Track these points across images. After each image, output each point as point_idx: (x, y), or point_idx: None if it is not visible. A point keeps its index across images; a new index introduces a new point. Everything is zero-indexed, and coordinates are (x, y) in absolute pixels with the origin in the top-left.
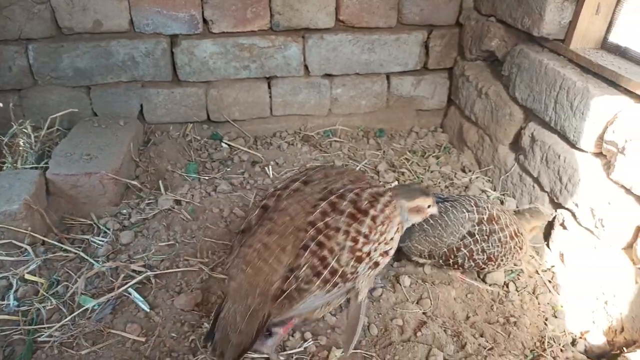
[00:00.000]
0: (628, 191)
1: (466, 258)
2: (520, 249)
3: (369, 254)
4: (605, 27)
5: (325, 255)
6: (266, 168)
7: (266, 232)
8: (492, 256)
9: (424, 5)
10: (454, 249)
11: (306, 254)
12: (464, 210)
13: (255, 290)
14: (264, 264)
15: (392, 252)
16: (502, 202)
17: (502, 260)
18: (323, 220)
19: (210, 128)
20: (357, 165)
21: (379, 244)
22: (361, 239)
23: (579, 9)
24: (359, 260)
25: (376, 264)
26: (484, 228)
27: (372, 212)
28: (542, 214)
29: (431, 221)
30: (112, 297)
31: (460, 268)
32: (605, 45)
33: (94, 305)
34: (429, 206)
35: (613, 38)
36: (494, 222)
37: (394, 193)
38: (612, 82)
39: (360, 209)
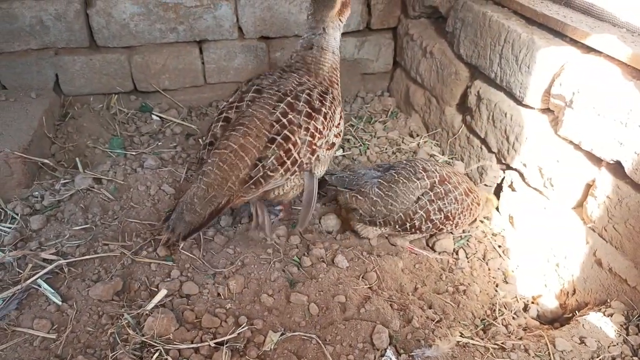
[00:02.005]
0: (577, 147)
1: (423, 220)
2: (478, 204)
3: (321, 146)
4: None
5: (289, 147)
6: (201, 140)
7: (242, 134)
8: (449, 214)
9: None
10: (410, 212)
11: (273, 146)
12: (414, 179)
13: (226, 183)
14: (239, 160)
15: (342, 128)
16: (449, 165)
17: (459, 218)
18: (286, 118)
19: (138, 99)
20: None
21: (329, 132)
22: (317, 135)
23: None
24: (313, 152)
25: (332, 145)
26: (438, 190)
27: (323, 109)
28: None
29: (380, 192)
30: (18, 290)
31: (417, 231)
32: None
33: None
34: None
35: None
36: (446, 182)
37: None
38: (559, 33)
39: (314, 108)
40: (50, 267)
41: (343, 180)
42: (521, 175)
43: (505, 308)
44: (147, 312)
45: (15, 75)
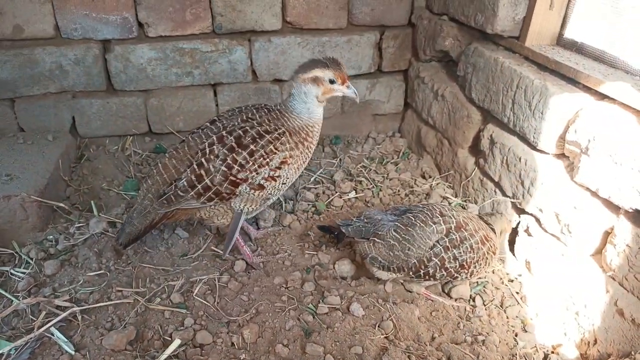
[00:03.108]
0: (594, 194)
1: (437, 267)
2: (493, 253)
3: (245, 180)
4: (560, 23)
5: (201, 173)
6: None
7: (169, 157)
8: (464, 263)
9: (374, 4)
10: (425, 259)
11: (188, 170)
12: (431, 223)
13: (148, 195)
14: (159, 177)
15: (285, 179)
16: (464, 209)
17: (475, 267)
18: (209, 148)
19: (152, 140)
20: (313, 176)
21: (257, 172)
22: (235, 167)
23: (532, 4)
24: (234, 185)
25: (261, 186)
26: (454, 237)
27: (252, 147)
28: (505, 218)
29: (397, 236)
30: (31, 339)
31: (431, 279)
32: (561, 42)
33: (10, 350)
34: (331, 81)
35: (568, 34)
36: (462, 229)
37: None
38: (571, 79)
39: (241, 144)
40: (63, 315)
41: (360, 230)
42: (537, 220)
43: (526, 359)
44: None
45: (34, 118)
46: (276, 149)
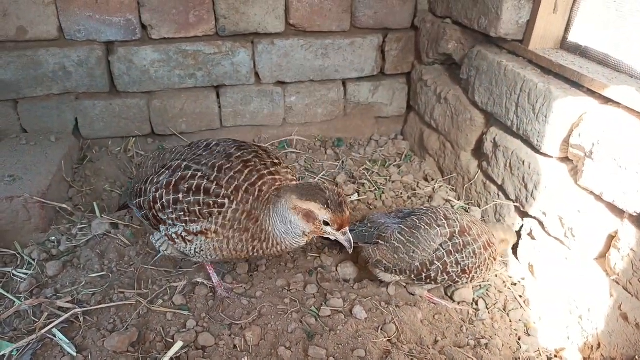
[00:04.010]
0: (598, 198)
1: (439, 271)
2: (495, 259)
3: (163, 222)
4: (563, 26)
5: (142, 188)
6: None
7: (152, 157)
8: (466, 268)
9: (377, 8)
10: (427, 262)
11: (144, 180)
12: (435, 226)
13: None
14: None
15: (198, 249)
16: (466, 212)
17: (476, 272)
18: (162, 169)
19: (155, 142)
20: (315, 177)
21: (172, 222)
22: (159, 204)
23: (536, 8)
24: (156, 219)
25: (172, 238)
26: (457, 241)
27: (181, 195)
28: (510, 229)
29: (402, 238)
30: (32, 340)
31: (432, 282)
32: (565, 45)
33: (12, 351)
34: (326, 223)
35: (572, 37)
36: (466, 233)
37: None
38: (575, 83)
39: (176, 185)
40: (65, 316)
41: (363, 235)
42: (541, 224)
43: None
44: None
45: (36, 119)
46: (201, 215)
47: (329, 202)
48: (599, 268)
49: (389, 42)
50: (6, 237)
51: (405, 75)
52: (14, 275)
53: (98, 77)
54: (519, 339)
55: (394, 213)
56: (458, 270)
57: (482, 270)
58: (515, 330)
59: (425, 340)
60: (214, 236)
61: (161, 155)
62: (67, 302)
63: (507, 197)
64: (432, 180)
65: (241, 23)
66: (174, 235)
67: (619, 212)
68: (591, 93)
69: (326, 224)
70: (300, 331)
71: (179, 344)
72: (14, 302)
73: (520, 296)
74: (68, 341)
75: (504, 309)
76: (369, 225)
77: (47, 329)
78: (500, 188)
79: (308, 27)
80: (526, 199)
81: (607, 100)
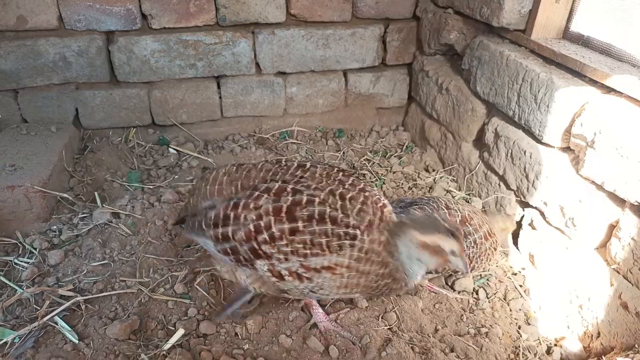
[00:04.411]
0: (599, 187)
1: None
2: (495, 250)
3: (268, 256)
4: (566, 16)
5: (229, 215)
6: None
7: (216, 174)
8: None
9: None
10: None
11: (225, 203)
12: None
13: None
14: (202, 192)
15: (316, 288)
16: (467, 202)
17: (477, 262)
18: (258, 193)
19: (156, 132)
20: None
21: (286, 257)
22: (263, 236)
23: None
24: (255, 253)
25: (280, 275)
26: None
27: (300, 224)
28: (510, 218)
29: None
30: (34, 327)
31: (433, 271)
32: (567, 35)
33: (14, 339)
34: (453, 253)
35: (574, 27)
36: (467, 223)
37: (406, 219)
38: (577, 73)
39: (291, 213)
40: (67, 304)
41: None
42: (542, 213)
43: (529, 351)
44: (164, 352)
45: (37, 109)
46: (328, 247)
47: (451, 230)
48: (599, 257)
49: (390, 32)
50: (8, 226)
51: (407, 65)
52: (15, 263)
53: (98, 67)
54: (519, 328)
55: (395, 203)
56: None
57: (482, 260)
58: (515, 319)
59: (426, 328)
60: (344, 271)
61: (236, 173)
62: (69, 290)
63: (508, 188)
64: (433, 170)
65: (242, 13)
66: (284, 272)
67: (620, 201)
68: (593, 83)
69: (453, 253)
70: (301, 319)
71: (180, 332)
72: (16, 290)
73: (521, 285)
74: (70, 328)
75: (504, 298)
76: None
77: (49, 316)
78: (502, 178)
79: (309, 17)
80: (527, 189)
81: (609, 90)
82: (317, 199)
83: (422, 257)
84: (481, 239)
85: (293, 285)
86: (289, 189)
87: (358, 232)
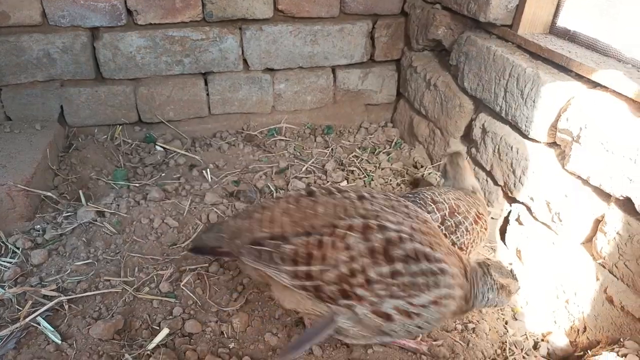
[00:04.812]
0: (585, 182)
1: None
2: (486, 229)
3: (360, 298)
4: (552, 11)
5: (314, 254)
6: (204, 172)
7: (285, 203)
8: (462, 246)
9: None
10: None
11: (302, 238)
12: (425, 212)
13: (239, 225)
14: (262, 218)
15: (423, 323)
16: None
17: (471, 246)
18: (346, 230)
19: (142, 130)
20: (304, 165)
21: (390, 298)
22: (359, 279)
23: None
24: (344, 294)
25: (387, 316)
26: (449, 223)
27: (398, 265)
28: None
29: None
30: (16, 328)
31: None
32: (554, 30)
33: None
34: (509, 291)
35: (561, 22)
36: (456, 213)
37: (481, 264)
38: (563, 68)
39: (388, 253)
40: (50, 304)
41: None
42: (528, 209)
43: (516, 347)
44: (149, 351)
45: (21, 106)
46: (427, 286)
47: (512, 271)
48: (585, 252)
49: (378, 28)
50: None
51: (395, 62)
52: None
53: (83, 64)
54: (506, 323)
55: None
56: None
57: (476, 242)
58: (502, 314)
59: None
60: (449, 302)
61: (296, 204)
62: (52, 290)
63: (496, 183)
64: (422, 167)
65: (228, 8)
66: (391, 311)
67: (606, 196)
68: (579, 77)
69: (509, 292)
70: (287, 317)
71: (164, 331)
72: None
73: None
74: (53, 329)
75: None
76: None
77: (31, 317)
78: (489, 174)
79: (297, 12)
80: (514, 184)
81: (595, 85)
82: (406, 236)
83: (494, 296)
84: (472, 224)
85: (400, 325)
86: (374, 226)
87: (445, 265)
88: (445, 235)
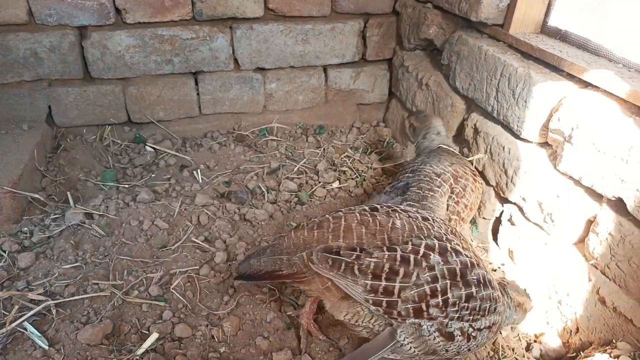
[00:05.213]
0: (577, 182)
1: (457, 222)
2: (482, 183)
3: (432, 317)
4: (544, 10)
5: (397, 270)
6: (195, 172)
7: (356, 214)
8: (473, 206)
9: None
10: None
11: (385, 252)
12: (436, 188)
13: (301, 236)
14: (333, 226)
15: (474, 347)
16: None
17: (475, 204)
18: (424, 250)
19: (132, 130)
20: (296, 166)
21: (458, 320)
22: (438, 299)
23: None
24: (418, 313)
25: (451, 336)
26: (457, 189)
27: (474, 289)
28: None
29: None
30: (2, 334)
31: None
32: (545, 29)
33: None
34: (525, 309)
35: (552, 22)
36: (459, 178)
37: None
38: (555, 67)
39: (465, 277)
40: (37, 309)
41: None
42: (520, 209)
43: (509, 348)
44: (138, 357)
45: (7, 106)
46: (490, 311)
47: (528, 293)
48: (577, 253)
49: (370, 27)
50: None
51: (387, 61)
52: None
53: (71, 63)
54: None
55: (391, 190)
56: (467, 211)
57: (477, 198)
58: None
59: None
60: (496, 328)
61: (370, 218)
62: (39, 294)
63: (488, 183)
64: None
65: (219, 7)
66: (456, 332)
67: (598, 196)
68: (571, 77)
69: (525, 310)
70: (279, 320)
71: (154, 336)
72: None
73: None
74: (40, 334)
75: None
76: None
77: (17, 322)
78: (481, 174)
79: (287, 11)
80: (506, 184)
81: (586, 85)
82: (474, 261)
83: (513, 315)
84: (472, 183)
85: (458, 346)
86: (450, 249)
87: (498, 293)
88: (457, 202)
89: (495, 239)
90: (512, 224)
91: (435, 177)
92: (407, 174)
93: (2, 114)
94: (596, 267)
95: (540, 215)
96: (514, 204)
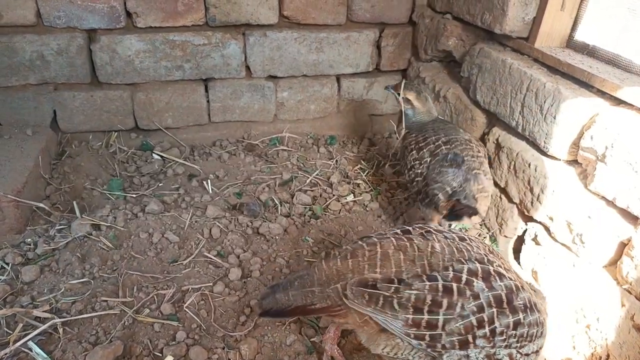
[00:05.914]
0: (610, 203)
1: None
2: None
3: (478, 347)
4: (571, 25)
5: (440, 301)
6: (205, 182)
7: (391, 242)
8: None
9: (375, 1)
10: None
11: (428, 283)
12: (475, 152)
13: (334, 267)
14: (368, 255)
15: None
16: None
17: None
18: (467, 276)
19: (139, 137)
20: (308, 177)
21: (505, 347)
22: (485, 330)
23: (543, 5)
24: (464, 345)
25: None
26: (481, 151)
27: (521, 315)
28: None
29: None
30: (5, 354)
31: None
32: (571, 44)
33: None
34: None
35: (579, 36)
36: (479, 148)
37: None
38: (584, 83)
39: (511, 303)
40: (43, 327)
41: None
42: (547, 228)
43: None
44: None
45: (12, 110)
46: (537, 336)
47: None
48: (608, 276)
49: (385, 37)
50: None
51: (401, 72)
52: None
53: (79, 67)
54: None
55: (447, 163)
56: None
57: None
58: None
59: None
60: (541, 351)
61: (407, 243)
62: (45, 311)
63: (510, 200)
64: None
65: (232, 13)
66: (505, 359)
67: (633, 218)
68: (601, 94)
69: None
70: (300, 344)
71: (168, 359)
72: None
73: None
74: (46, 355)
75: None
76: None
77: (22, 341)
78: (503, 191)
79: (302, 19)
80: (531, 202)
81: (619, 102)
82: (519, 283)
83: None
84: (486, 153)
85: None
86: (492, 272)
87: (544, 316)
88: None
89: (516, 258)
90: (537, 243)
91: (468, 142)
92: (440, 147)
93: (6, 118)
94: (630, 292)
95: (569, 236)
96: (540, 222)
